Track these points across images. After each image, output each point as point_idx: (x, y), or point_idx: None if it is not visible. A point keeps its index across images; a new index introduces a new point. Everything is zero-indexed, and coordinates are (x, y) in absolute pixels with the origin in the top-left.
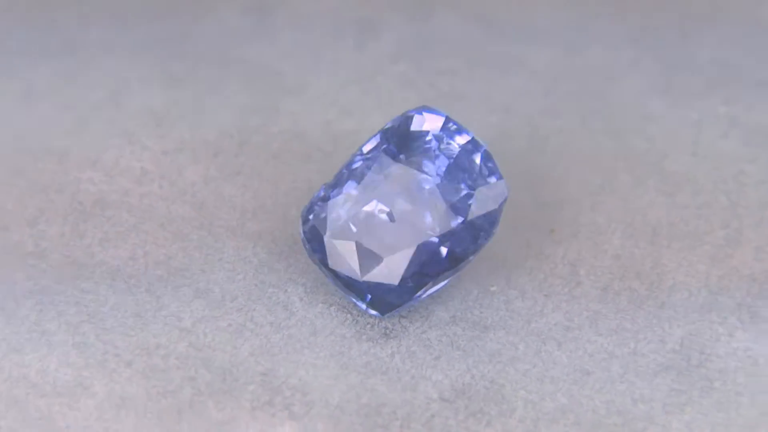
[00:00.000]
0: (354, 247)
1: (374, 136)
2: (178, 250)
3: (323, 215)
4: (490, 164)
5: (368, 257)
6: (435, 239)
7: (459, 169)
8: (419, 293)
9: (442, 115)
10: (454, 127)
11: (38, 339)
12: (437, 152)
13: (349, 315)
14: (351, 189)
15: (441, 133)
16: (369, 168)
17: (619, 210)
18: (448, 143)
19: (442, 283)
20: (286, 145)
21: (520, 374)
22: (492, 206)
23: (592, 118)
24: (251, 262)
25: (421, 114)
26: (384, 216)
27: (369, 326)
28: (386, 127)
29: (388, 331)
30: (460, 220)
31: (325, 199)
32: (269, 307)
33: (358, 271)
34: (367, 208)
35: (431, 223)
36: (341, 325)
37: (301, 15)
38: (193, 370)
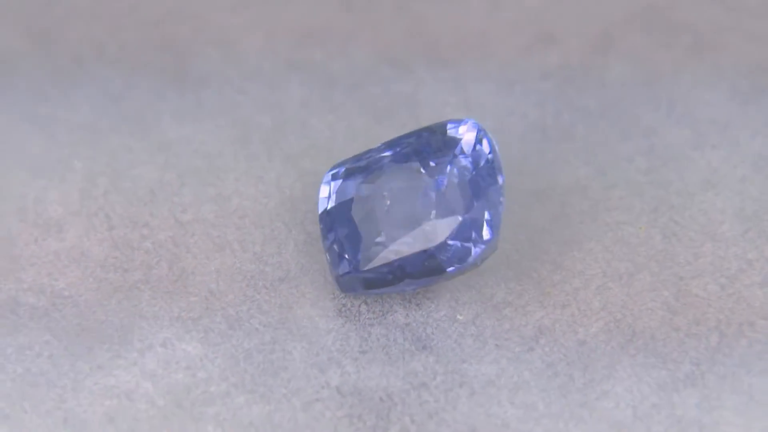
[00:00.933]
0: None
1: (407, 135)
2: None
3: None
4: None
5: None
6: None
7: (462, 194)
8: (382, 289)
9: (477, 129)
10: (487, 148)
11: None
12: (454, 167)
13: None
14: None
15: (470, 148)
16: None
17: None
18: (470, 162)
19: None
20: None
21: (418, 403)
22: (462, 255)
23: None
24: None
25: (459, 124)
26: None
27: (329, 298)
28: (420, 129)
29: (342, 309)
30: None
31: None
32: None
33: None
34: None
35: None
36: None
37: None
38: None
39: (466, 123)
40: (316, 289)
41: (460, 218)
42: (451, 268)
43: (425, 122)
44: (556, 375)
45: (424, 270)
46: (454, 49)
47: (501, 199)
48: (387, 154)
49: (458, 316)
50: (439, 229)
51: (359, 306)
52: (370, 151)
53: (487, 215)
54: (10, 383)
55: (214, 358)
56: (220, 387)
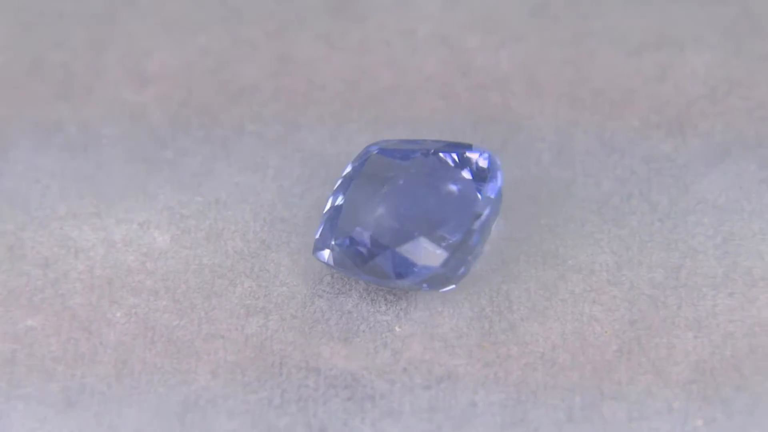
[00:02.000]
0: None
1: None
2: None
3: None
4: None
5: None
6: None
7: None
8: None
9: (486, 157)
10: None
11: None
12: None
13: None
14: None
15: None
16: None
17: None
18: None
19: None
20: None
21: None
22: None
23: None
24: None
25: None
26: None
27: (325, 278)
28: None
29: (308, 272)
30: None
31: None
32: None
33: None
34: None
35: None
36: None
37: None
38: None
39: (476, 152)
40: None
41: (446, 255)
42: (401, 280)
43: None
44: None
45: (377, 270)
46: None
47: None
48: (427, 148)
49: (397, 328)
50: (424, 252)
51: (324, 277)
52: (416, 141)
53: (471, 257)
54: None
55: None
56: None
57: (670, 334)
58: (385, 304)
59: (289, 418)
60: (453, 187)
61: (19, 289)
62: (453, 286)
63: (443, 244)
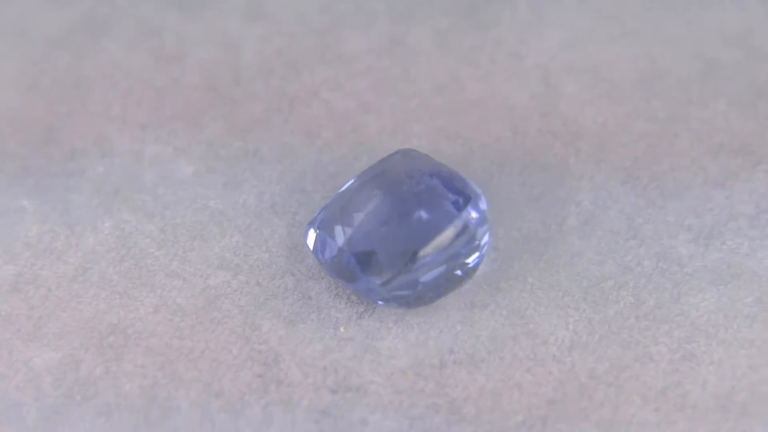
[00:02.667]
0: None
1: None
2: None
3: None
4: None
5: None
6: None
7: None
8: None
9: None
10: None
11: None
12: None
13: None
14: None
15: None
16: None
17: None
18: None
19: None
20: None
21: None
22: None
23: None
24: None
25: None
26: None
27: (307, 260)
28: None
29: (293, 249)
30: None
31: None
32: None
33: None
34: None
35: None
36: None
37: None
38: None
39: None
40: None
41: (388, 275)
42: (349, 284)
43: None
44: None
45: (344, 270)
46: None
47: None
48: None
49: (342, 329)
50: (373, 266)
51: (306, 258)
52: (439, 163)
53: (422, 287)
54: None
55: None
56: None
57: (576, 427)
58: (346, 304)
59: (198, 374)
60: (425, 215)
61: None
62: (404, 308)
63: (393, 264)
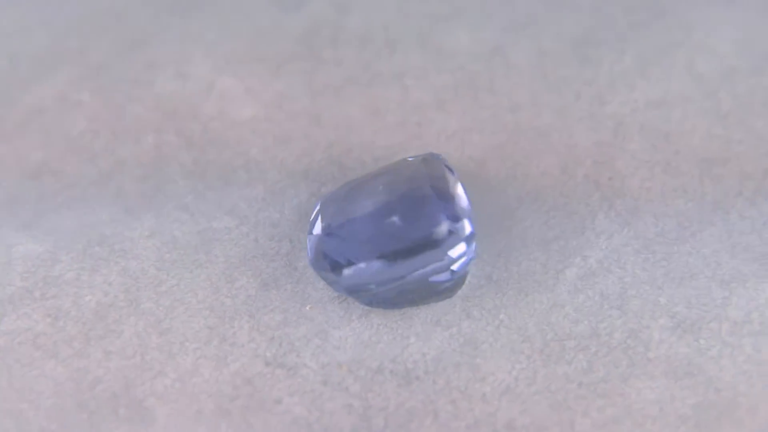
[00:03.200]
0: None
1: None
2: None
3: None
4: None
5: None
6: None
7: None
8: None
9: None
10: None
11: None
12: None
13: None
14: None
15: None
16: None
17: None
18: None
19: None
20: None
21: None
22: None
23: None
24: None
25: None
26: None
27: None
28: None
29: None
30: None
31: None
32: None
33: None
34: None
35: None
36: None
37: None
38: None
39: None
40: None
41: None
42: (318, 271)
43: None
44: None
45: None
46: None
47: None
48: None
49: (308, 307)
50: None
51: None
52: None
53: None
54: None
55: None
56: None
57: None
58: (324, 285)
59: (154, 307)
60: (399, 222)
61: None
62: (366, 305)
63: (355, 261)
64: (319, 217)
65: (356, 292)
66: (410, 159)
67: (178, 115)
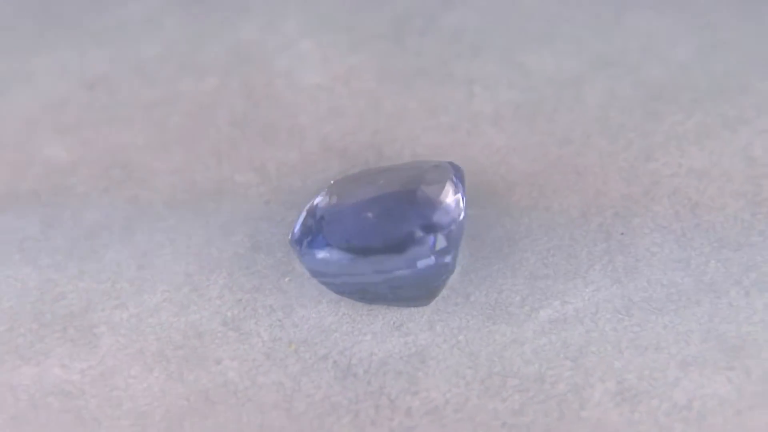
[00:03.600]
0: None
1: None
2: None
3: None
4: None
5: None
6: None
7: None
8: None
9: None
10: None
11: None
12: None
13: None
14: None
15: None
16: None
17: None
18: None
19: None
20: None
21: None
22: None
23: None
24: None
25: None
26: None
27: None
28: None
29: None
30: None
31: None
32: None
33: None
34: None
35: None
36: None
37: None
38: None
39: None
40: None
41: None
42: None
43: None
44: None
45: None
46: None
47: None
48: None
49: (286, 279)
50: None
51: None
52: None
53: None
54: None
55: None
56: None
57: None
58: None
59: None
60: (372, 218)
61: None
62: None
63: (323, 247)
64: (320, 196)
65: (320, 277)
66: (425, 162)
67: (248, 64)
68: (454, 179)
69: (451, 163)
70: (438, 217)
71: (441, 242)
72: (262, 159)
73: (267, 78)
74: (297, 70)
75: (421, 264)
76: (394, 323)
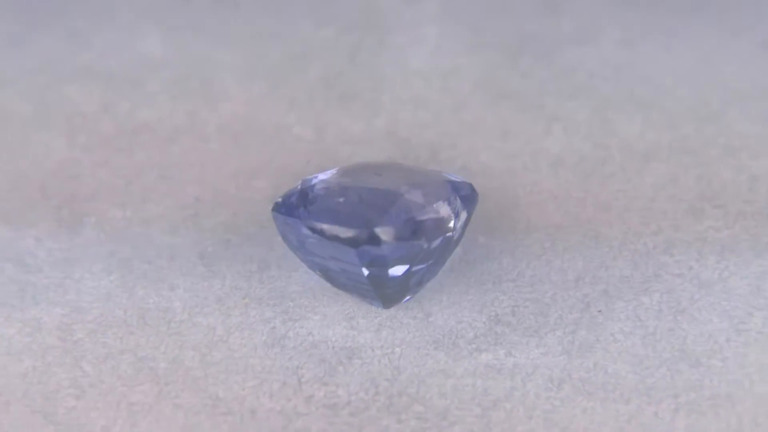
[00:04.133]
0: None
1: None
2: None
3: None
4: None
5: None
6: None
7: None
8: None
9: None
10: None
11: None
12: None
13: None
14: None
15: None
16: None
17: None
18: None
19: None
20: None
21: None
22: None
23: None
24: None
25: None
26: None
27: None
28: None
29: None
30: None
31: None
32: None
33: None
34: None
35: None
36: None
37: None
38: None
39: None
40: None
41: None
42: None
43: None
44: None
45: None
46: None
47: None
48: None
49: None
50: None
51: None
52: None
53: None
54: None
55: None
56: None
57: None
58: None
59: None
60: (341, 204)
61: None
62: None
63: (297, 221)
64: (326, 173)
65: (291, 248)
66: (444, 174)
67: (370, 23)
68: (456, 201)
69: (465, 183)
70: (400, 226)
71: (382, 253)
72: (327, 119)
73: (378, 43)
74: (408, 49)
75: (368, 264)
76: (347, 314)
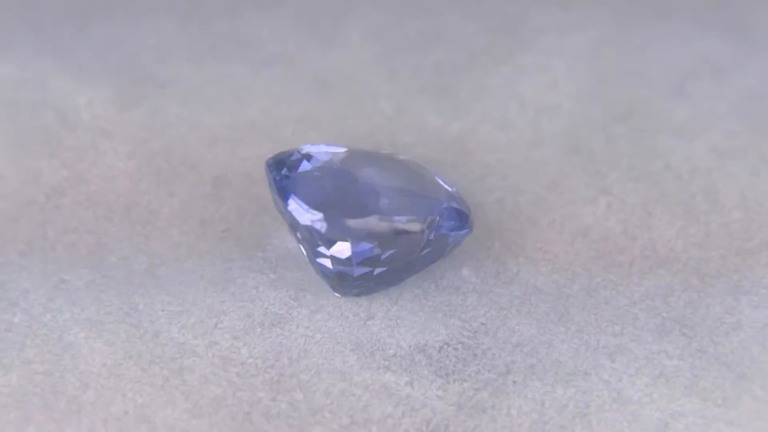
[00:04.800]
0: None
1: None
2: None
3: None
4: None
5: None
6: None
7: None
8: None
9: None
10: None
11: None
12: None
13: None
14: None
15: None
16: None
17: None
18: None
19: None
20: None
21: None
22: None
23: None
24: None
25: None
26: None
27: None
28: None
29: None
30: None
31: None
32: None
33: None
34: None
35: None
36: None
37: None
38: None
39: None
40: None
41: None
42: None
43: None
44: None
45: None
46: None
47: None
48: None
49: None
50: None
51: None
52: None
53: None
54: None
55: None
56: None
57: None
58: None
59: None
60: (320, 180)
61: None
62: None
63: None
64: (333, 149)
65: (278, 208)
66: (449, 193)
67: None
68: (442, 218)
69: (466, 215)
70: (363, 222)
71: (339, 251)
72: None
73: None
74: (527, 71)
75: (321, 249)
76: (299, 285)
